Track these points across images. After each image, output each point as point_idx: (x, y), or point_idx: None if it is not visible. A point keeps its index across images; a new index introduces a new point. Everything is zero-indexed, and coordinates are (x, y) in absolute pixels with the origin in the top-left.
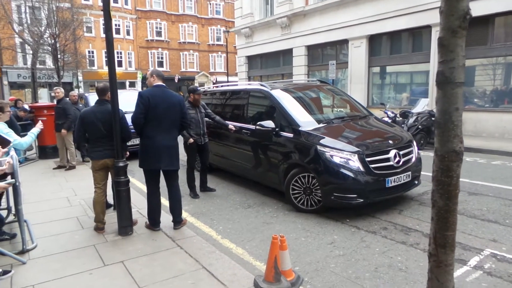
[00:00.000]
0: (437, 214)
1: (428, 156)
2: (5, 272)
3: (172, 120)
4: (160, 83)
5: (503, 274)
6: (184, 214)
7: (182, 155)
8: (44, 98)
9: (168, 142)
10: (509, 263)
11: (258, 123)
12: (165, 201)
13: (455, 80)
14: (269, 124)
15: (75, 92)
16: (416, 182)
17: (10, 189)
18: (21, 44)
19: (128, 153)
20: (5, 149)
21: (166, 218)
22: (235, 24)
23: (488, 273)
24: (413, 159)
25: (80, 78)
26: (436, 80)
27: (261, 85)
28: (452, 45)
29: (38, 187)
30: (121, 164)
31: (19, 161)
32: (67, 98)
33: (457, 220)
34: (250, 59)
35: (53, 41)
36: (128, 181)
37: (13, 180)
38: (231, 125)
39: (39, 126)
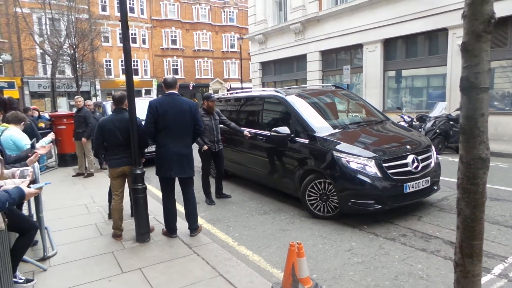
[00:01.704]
0: (463, 223)
1: (446, 161)
2: (28, 281)
3: (183, 127)
4: (171, 91)
5: None
6: (200, 221)
7: (197, 161)
8: (63, 107)
9: (179, 150)
10: None
11: (273, 129)
12: (181, 208)
13: (480, 85)
14: (284, 130)
15: (90, 101)
16: (436, 187)
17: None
18: (42, 55)
19: (144, 159)
20: (33, 158)
21: (182, 225)
22: (248, 30)
23: None
24: (432, 164)
25: (97, 86)
26: (460, 85)
27: (276, 91)
28: (477, 49)
29: (57, 194)
30: (138, 171)
31: (39, 169)
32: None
33: (484, 228)
34: (264, 65)
35: (72, 51)
36: (145, 188)
37: (43, 184)
38: (246, 131)
39: (50, 137)
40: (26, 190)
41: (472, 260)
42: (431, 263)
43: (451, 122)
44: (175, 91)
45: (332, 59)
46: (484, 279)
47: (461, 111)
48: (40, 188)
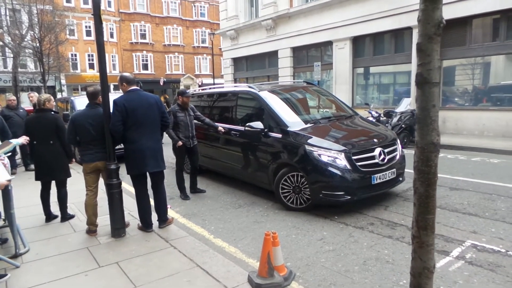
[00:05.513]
0: (419, 200)
1: (411, 154)
2: (1, 276)
3: (153, 121)
4: (133, 87)
5: (483, 263)
6: (176, 216)
7: (171, 157)
8: (25, 102)
9: (152, 144)
10: (489, 253)
11: (247, 124)
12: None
13: (432, 80)
14: (257, 125)
15: (12, 97)
16: (401, 179)
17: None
18: (1, 48)
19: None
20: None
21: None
22: (220, 26)
23: (470, 262)
24: (397, 157)
25: (63, 81)
26: (415, 80)
27: (249, 87)
28: (429, 49)
29: (27, 192)
30: (113, 166)
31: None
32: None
33: (436, 204)
34: (236, 61)
35: (37, 44)
36: (120, 183)
37: (12, 176)
38: (220, 126)
39: (21, 140)
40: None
41: (427, 232)
42: (396, 249)
43: (415, 117)
44: (137, 87)
45: (303, 55)
46: (444, 261)
47: (416, 103)
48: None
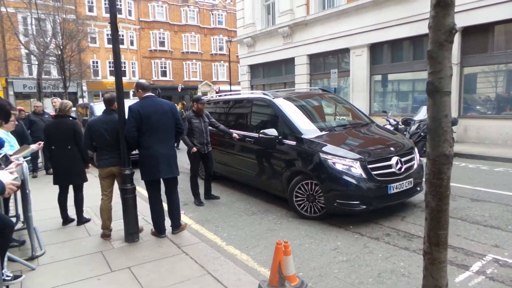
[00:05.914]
0: (430, 214)
1: None
2: (16, 277)
3: (167, 127)
4: (149, 93)
5: (505, 279)
6: (189, 222)
7: (186, 163)
8: (49, 107)
9: (166, 151)
10: (511, 268)
11: (261, 131)
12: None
13: (443, 89)
14: (272, 132)
15: (39, 103)
16: (418, 188)
17: (19, 196)
18: (27, 55)
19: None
20: (16, 157)
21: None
22: (237, 33)
23: (490, 278)
24: (415, 166)
25: (84, 88)
26: (426, 89)
27: (264, 93)
28: (440, 57)
29: (46, 195)
30: (127, 172)
31: (27, 169)
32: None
33: (449, 219)
34: (253, 68)
35: (59, 52)
36: (134, 188)
37: (19, 179)
38: (235, 133)
39: (33, 147)
40: (5, 180)
41: (439, 248)
42: (413, 261)
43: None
44: (152, 94)
45: (320, 62)
46: (463, 276)
47: (427, 112)
48: (19, 182)
